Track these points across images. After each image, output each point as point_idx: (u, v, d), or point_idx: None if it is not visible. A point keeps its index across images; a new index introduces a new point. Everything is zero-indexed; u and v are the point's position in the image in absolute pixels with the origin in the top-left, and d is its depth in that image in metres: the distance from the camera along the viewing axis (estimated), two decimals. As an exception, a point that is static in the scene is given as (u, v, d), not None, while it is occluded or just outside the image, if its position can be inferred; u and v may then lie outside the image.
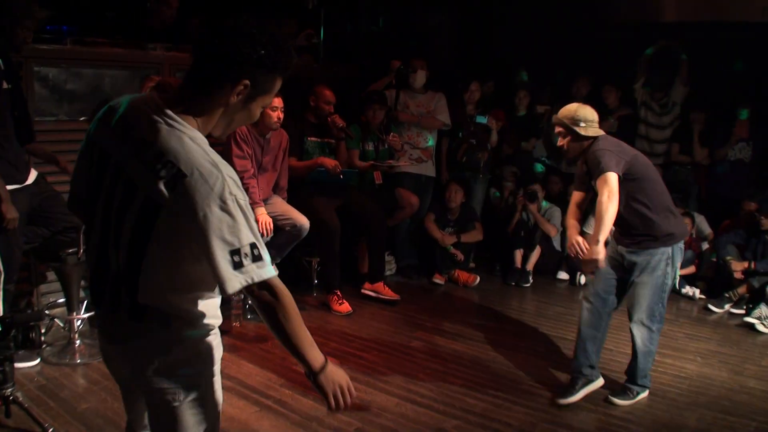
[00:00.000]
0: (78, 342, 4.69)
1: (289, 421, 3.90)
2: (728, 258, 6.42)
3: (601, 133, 4.22)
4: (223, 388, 4.16)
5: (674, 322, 5.96)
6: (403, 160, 6.73)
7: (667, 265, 4.17)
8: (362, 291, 6.27)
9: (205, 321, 2.12)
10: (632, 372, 4.38)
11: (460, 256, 6.94)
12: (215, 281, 1.88)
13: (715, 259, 6.77)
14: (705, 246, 6.95)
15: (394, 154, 6.69)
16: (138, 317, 2.02)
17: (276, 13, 7.54)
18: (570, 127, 4.18)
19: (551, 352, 5.15)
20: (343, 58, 7.61)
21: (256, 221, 5.29)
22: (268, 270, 1.91)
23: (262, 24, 1.91)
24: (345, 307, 5.89)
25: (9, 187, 3.99)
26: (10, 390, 3.62)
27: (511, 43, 8.75)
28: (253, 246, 1.87)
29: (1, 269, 4.08)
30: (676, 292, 6.73)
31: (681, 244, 4.25)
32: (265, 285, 1.91)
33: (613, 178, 3.95)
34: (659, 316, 4.26)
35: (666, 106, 7.55)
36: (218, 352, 2.20)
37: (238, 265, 1.84)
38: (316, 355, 2.11)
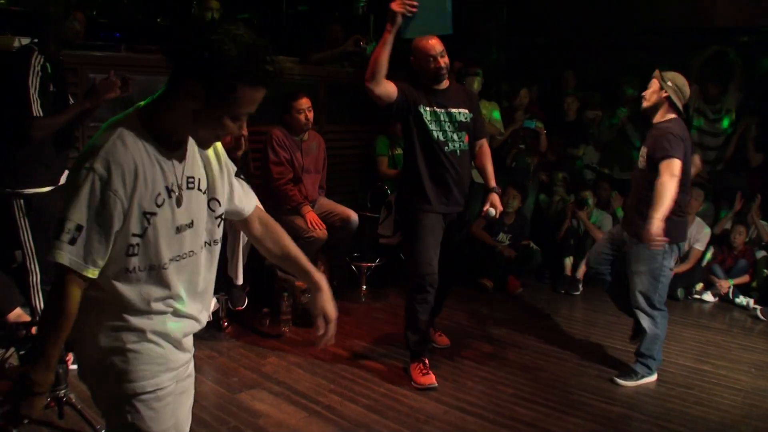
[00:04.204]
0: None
1: (338, 427, 3.91)
2: None
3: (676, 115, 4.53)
4: (272, 393, 4.24)
5: (728, 332, 5.87)
6: None
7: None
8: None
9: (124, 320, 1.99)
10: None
11: (511, 253, 6.88)
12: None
13: (767, 271, 6.64)
14: (760, 254, 6.80)
15: None
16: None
17: (324, 19, 7.60)
18: (665, 83, 4.49)
19: (601, 361, 5.08)
20: (391, 64, 7.60)
21: (305, 220, 5.37)
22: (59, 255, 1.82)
23: (235, 30, 1.79)
24: (429, 379, 4.51)
25: (44, 189, 4.16)
26: (63, 391, 3.69)
27: (561, 48, 8.69)
28: (77, 227, 1.81)
29: (37, 270, 4.17)
30: (729, 302, 6.63)
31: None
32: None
33: (677, 165, 4.26)
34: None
35: (719, 112, 7.43)
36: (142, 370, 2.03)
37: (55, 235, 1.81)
38: None
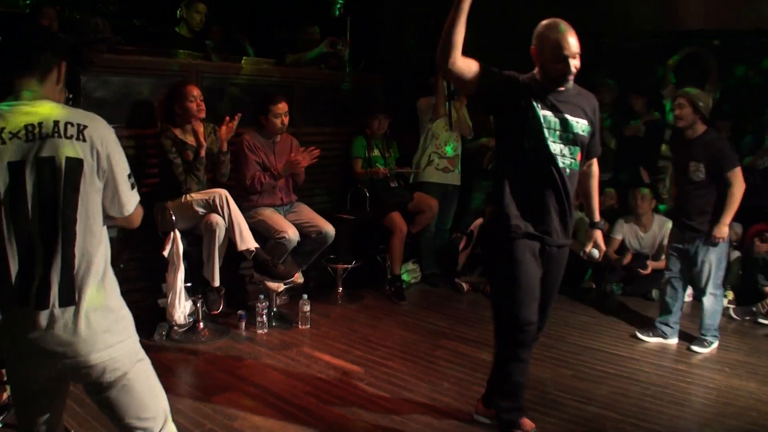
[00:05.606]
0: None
1: (314, 429, 3.90)
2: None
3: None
4: (248, 395, 4.23)
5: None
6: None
7: None
8: (474, 416, 4.14)
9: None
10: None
11: None
12: (116, 206, 2.32)
13: (741, 272, 6.69)
14: (735, 255, 6.85)
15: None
16: (71, 297, 2.19)
17: (300, 19, 7.56)
18: (698, 105, 5.13)
19: (578, 361, 5.11)
20: (369, 68, 7.59)
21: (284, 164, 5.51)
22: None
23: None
24: None
25: None
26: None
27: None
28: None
29: None
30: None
31: None
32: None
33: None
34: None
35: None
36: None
37: (133, 186, 2.37)
38: None
